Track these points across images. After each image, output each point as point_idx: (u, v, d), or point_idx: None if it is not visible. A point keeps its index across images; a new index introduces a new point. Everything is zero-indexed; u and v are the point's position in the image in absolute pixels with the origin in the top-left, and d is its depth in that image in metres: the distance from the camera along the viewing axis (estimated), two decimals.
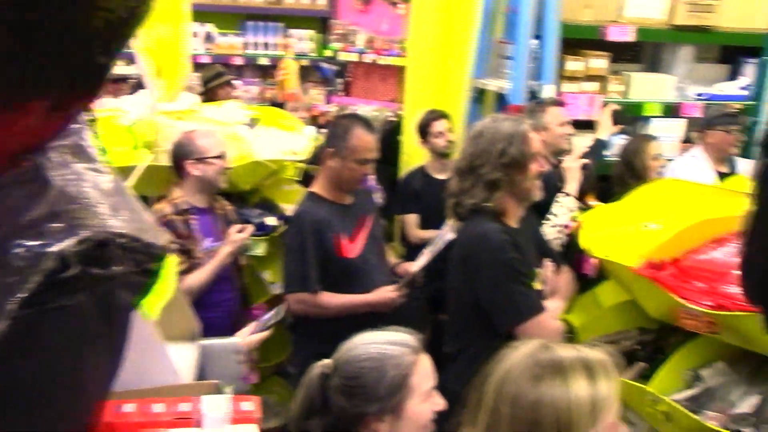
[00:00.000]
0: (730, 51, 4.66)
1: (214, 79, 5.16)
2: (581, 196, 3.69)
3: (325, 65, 7.26)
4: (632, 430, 2.71)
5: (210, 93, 5.00)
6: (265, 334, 2.59)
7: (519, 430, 1.37)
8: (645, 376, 2.51)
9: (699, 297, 2.31)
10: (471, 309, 2.54)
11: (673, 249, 2.55)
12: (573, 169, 3.38)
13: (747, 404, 2.35)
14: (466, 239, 2.57)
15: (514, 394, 1.38)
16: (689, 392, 2.42)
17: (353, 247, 3.03)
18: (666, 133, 4.37)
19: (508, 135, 2.51)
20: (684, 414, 2.29)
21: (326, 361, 1.82)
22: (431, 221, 3.94)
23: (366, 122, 3.11)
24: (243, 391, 1.91)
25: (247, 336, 2.45)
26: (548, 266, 2.58)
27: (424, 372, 1.81)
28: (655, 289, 2.38)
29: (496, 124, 2.58)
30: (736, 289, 2.08)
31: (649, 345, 2.67)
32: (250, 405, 1.42)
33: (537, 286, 2.57)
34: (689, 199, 2.89)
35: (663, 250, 2.53)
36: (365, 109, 6.39)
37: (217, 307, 3.25)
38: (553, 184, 3.43)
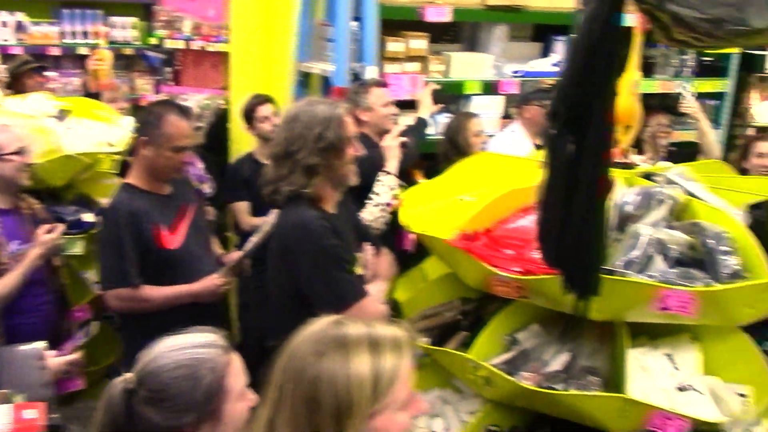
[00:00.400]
0: (542, 30, 4.90)
1: (20, 67, 4.83)
2: (407, 174, 3.76)
3: (151, 54, 6.98)
4: (461, 396, 2.80)
5: (18, 84, 4.68)
6: (74, 357, 2.48)
7: (299, 407, 1.35)
8: (467, 345, 2.59)
9: (508, 264, 2.42)
10: (293, 299, 2.51)
11: (485, 219, 2.65)
12: (392, 148, 3.43)
13: (558, 362, 2.48)
14: (285, 228, 2.53)
15: (297, 371, 1.36)
16: (506, 356, 2.53)
17: (174, 238, 2.93)
18: (486, 109, 4.53)
19: (325, 119, 2.49)
20: (501, 377, 2.39)
21: (127, 376, 1.68)
22: (263, 208, 3.87)
23: (180, 108, 3.00)
24: (46, 399, 1.79)
25: (55, 357, 2.32)
26: (368, 250, 2.59)
27: (237, 371, 1.73)
28: (468, 259, 2.45)
29: (311, 107, 2.55)
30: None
31: (470, 314, 2.76)
32: (34, 413, 1.33)
33: (358, 270, 2.57)
34: (502, 171, 3.00)
35: (476, 221, 2.63)
36: (197, 97, 6.19)
37: (31, 313, 3.07)
38: (378, 164, 3.47)
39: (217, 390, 1.66)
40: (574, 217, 1.85)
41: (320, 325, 1.44)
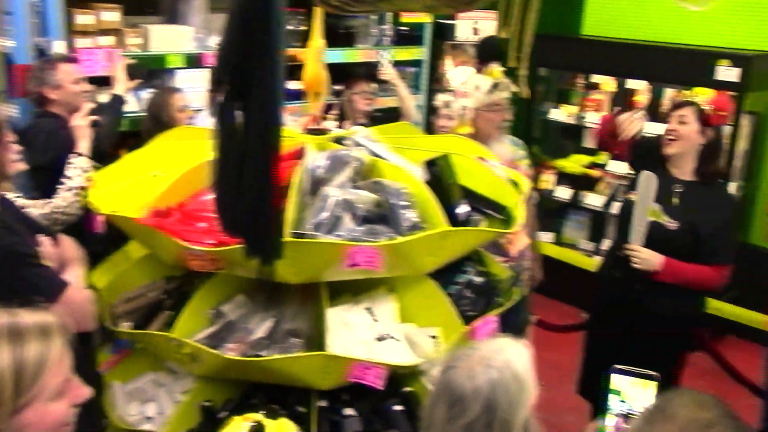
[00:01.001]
0: None
1: None
2: (107, 154, 3.56)
3: None
4: (174, 378, 2.73)
5: None
6: None
7: None
8: (172, 324, 2.52)
9: (201, 237, 2.38)
10: None
11: (178, 194, 2.59)
12: (82, 128, 3.22)
13: (262, 329, 2.51)
14: None
15: None
16: (211, 329, 2.51)
17: None
18: (192, 83, 4.41)
19: None
20: (205, 351, 2.37)
21: None
22: None
23: None
24: None
25: None
26: (45, 241, 2.38)
27: None
28: (160, 236, 2.38)
29: None
30: None
31: (174, 293, 2.70)
32: None
33: (46, 263, 2.36)
34: (198, 144, 2.95)
35: (168, 196, 2.56)
36: None
37: None
38: (71, 145, 3.25)
39: None
40: (246, 186, 1.86)
41: None
